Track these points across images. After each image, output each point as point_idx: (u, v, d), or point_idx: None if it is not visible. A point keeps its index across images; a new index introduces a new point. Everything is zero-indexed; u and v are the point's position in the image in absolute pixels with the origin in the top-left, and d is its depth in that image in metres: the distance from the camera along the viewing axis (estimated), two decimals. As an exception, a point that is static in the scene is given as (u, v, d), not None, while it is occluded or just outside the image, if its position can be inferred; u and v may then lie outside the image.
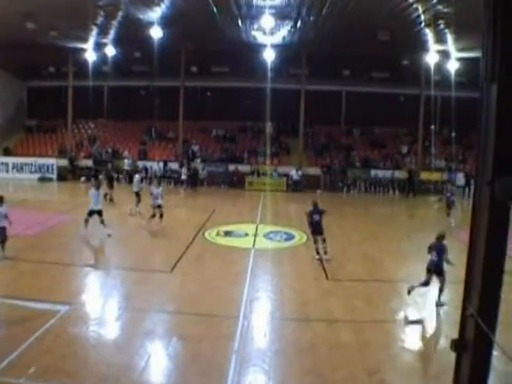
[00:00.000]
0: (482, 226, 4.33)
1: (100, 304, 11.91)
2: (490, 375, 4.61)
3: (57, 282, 12.98)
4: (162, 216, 20.16)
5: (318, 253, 15.81)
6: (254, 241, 18.67)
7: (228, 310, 11.53)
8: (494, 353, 4.54)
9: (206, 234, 19.30)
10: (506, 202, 4.13)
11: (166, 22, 24.43)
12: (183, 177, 33.78)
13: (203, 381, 8.43)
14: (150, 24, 24.69)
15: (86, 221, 17.85)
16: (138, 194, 22.77)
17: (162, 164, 35.65)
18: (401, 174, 35.01)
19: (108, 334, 10.14)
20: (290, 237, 19.53)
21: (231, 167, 35.57)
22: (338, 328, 10.84)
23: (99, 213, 17.86)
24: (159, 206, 20.27)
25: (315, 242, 15.94)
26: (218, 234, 19.43)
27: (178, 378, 8.51)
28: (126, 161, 35.47)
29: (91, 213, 17.86)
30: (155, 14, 23.68)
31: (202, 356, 9.09)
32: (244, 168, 35.64)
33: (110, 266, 14.73)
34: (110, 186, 26.12)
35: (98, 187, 18.32)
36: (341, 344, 9.98)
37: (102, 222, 17.79)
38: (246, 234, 19.60)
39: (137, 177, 24.36)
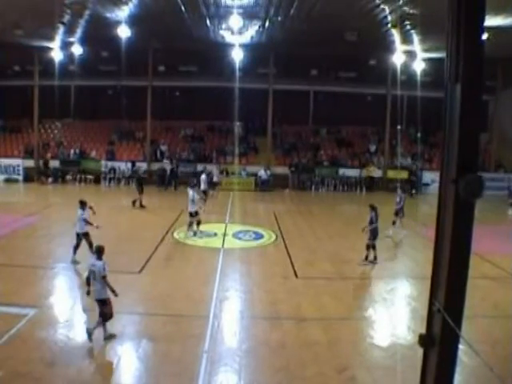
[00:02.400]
0: (448, 223, 4.42)
1: (68, 306, 11.77)
2: (456, 369, 4.69)
3: (24, 285, 12.76)
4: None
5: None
6: (223, 240, 18.66)
7: (198, 309, 11.53)
8: (461, 347, 4.63)
9: (175, 234, 19.22)
10: (470, 200, 4.22)
11: (133, 21, 24.20)
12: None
13: (174, 382, 8.42)
14: (118, 23, 24.42)
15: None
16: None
17: (129, 164, 35.29)
18: (368, 173, 35.32)
19: (77, 336, 9.99)
20: (258, 236, 19.57)
21: (199, 167, 35.43)
22: (307, 326, 10.93)
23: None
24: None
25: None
26: (186, 234, 19.35)
27: (148, 380, 8.47)
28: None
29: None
30: (123, 12, 23.44)
31: (172, 357, 9.07)
32: (212, 168, 35.52)
33: (78, 268, 14.52)
34: (141, 190, 25.68)
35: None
36: (310, 342, 10.06)
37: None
38: (215, 234, 19.57)
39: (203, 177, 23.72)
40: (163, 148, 36.74)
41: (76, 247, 14.86)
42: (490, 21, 21.12)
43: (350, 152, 38.32)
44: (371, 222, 15.75)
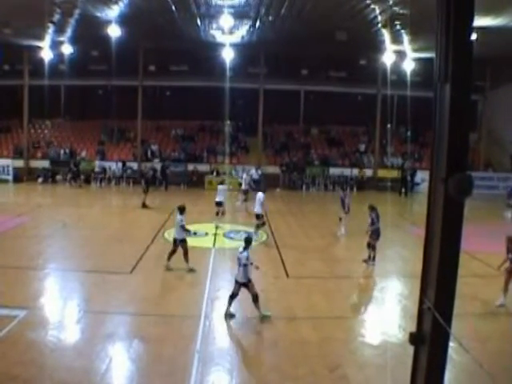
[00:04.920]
0: (437, 221, 4.45)
1: (59, 308, 11.70)
2: (446, 366, 4.73)
3: (14, 286, 12.68)
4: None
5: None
6: (215, 240, 18.66)
7: (189, 309, 11.53)
8: (451, 344, 4.67)
9: (166, 235, 19.18)
10: (460, 199, 4.26)
11: (123, 20, 24.14)
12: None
13: (166, 382, 8.41)
14: (108, 22, 24.35)
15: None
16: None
17: (120, 164, 35.22)
18: (360, 177, 35.48)
19: (68, 338, 9.97)
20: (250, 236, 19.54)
21: (190, 167, 35.43)
22: (298, 325, 10.96)
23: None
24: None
25: None
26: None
27: (140, 380, 8.45)
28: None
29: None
30: (113, 12, 23.37)
31: (164, 357, 9.05)
32: (203, 167, 35.54)
33: (69, 269, 14.47)
34: (147, 190, 25.65)
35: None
36: (302, 340, 10.09)
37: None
38: (206, 234, 19.56)
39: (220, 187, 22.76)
40: (154, 148, 36.69)
41: (172, 253, 14.59)
42: (479, 21, 21.24)
43: (341, 151, 38.42)
44: (373, 223, 15.75)
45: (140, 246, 16.91)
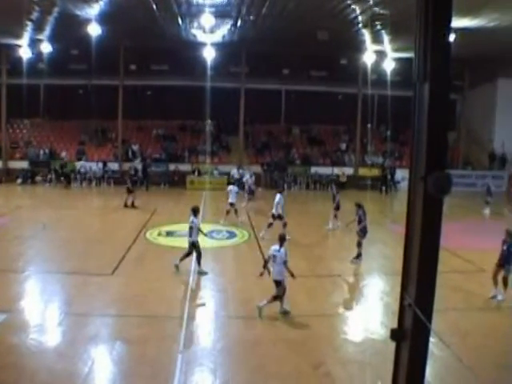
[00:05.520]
0: (417, 219, 4.51)
1: (40, 310, 11.56)
2: (427, 361, 4.80)
3: (-7, 288, 12.58)
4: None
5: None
6: (197, 240, 18.62)
7: (172, 310, 11.52)
8: (432, 340, 4.74)
9: (148, 235, 19.14)
10: (439, 196, 4.32)
11: (104, 18, 23.95)
12: None
13: (149, 383, 8.38)
14: (88, 21, 24.13)
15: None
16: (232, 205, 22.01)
17: (101, 164, 34.99)
18: (339, 171, 35.64)
19: (49, 340, 9.86)
20: (232, 235, 19.61)
21: (172, 167, 35.33)
22: (282, 323, 11.00)
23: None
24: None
25: None
26: (159, 235, 19.29)
27: (123, 383, 8.41)
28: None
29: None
30: (93, 10, 23.19)
31: (147, 358, 9.02)
32: (185, 167, 35.46)
33: (50, 271, 14.34)
34: (132, 190, 25.65)
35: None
36: (285, 339, 10.14)
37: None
38: (189, 234, 19.51)
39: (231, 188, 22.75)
40: (135, 148, 36.50)
41: (187, 255, 14.56)
42: (457, 22, 21.50)
43: (322, 150, 38.59)
44: (360, 221, 15.95)
45: (121, 247, 16.83)
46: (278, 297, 11.27)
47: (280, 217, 19.07)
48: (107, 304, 11.85)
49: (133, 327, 10.50)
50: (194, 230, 14.39)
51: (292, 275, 11.27)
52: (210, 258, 16.29)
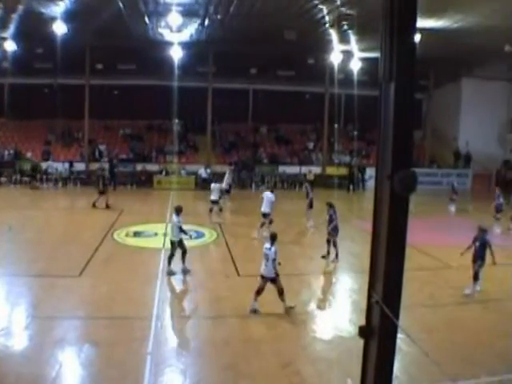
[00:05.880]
0: (384, 217, 4.56)
1: (6, 314, 11.29)
2: (395, 357, 4.86)
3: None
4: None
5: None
6: (164, 240, 18.49)
7: (141, 311, 11.42)
8: (399, 336, 4.80)
9: (115, 235, 18.96)
10: (405, 194, 4.38)
11: (69, 17, 23.56)
12: None
13: (119, 385, 8.31)
14: (53, 19, 23.72)
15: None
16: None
17: (67, 165, 34.47)
18: (307, 170, 35.85)
19: (16, 344, 9.66)
20: (200, 235, 19.54)
21: (139, 166, 35.03)
22: (251, 323, 11.02)
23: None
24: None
25: None
26: (127, 235, 19.14)
27: (92, 385, 8.32)
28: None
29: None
30: (59, 8, 22.78)
31: (116, 360, 8.93)
32: (152, 167, 35.20)
33: (16, 273, 14.05)
34: (104, 190, 25.37)
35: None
36: (255, 338, 10.16)
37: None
38: (156, 234, 19.42)
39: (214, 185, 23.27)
40: (102, 148, 36.09)
41: (171, 257, 14.42)
42: (423, 23, 21.81)
43: (289, 149, 38.76)
44: (331, 220, 16.05)
45: (89, 248, 16.62)
46: (282, 290, 11.50)
47: (266, 214, 19.45)
48: (75, 306, 11.68)
49: (101, 329, 10.39)
50: (174, 230, 14.40)
51: (276, 275, 11.50)
52: (178, 258, 16.23)
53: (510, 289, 13.76)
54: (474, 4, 19.72)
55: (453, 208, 27.70)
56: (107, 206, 24.74)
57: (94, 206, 24.74)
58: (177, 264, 14.49)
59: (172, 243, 14.43)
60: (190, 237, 14.84)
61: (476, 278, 13.05)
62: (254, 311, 11.43)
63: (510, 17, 20.42)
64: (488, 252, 13.03)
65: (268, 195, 19.91)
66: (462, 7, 20.38)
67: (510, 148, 39.18)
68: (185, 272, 14.28)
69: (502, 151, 39.65)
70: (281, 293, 11.46)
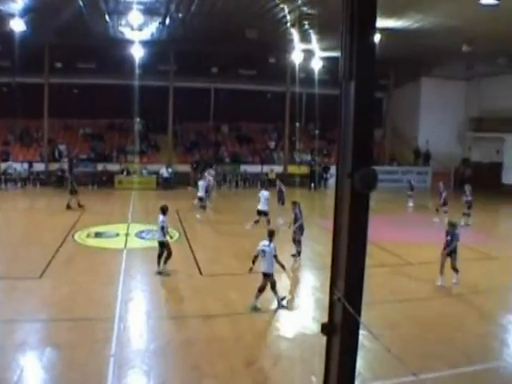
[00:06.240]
0: (344, 215, 4.60)
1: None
2: (358, 353, 4.91)
3: None
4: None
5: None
6: (126, 240, 18.36)
7: (103, 312, 11.27)
8: (362, 332, 4.84)
9: (76, 236, 18.68)
10: (365, 192, 4.42)
11: (28, 14, 23.07)
12: None
13: (80, 388, 8.19)
14: (11, 16, 23.17)
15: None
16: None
17: (26, 165, 33.76)
18: (268, 169, 36.01)
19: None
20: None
21: (100, 166, 34.57)
22: (214, 322, 11.01)
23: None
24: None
25: None
26: (88, 236, 18.88)
27: (53, 389, 8.18)
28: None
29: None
30: (16, 5, 22.27)
31: (78, 363, 8.79)
32: (113, 167, 34.78)
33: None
34: (75, 190, 24.96)
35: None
36: (218, 338, 10.15)
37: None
38: (117, 234, 19.23)
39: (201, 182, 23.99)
40: (61, 147, 35.47)
41: (160, 256, 14.30)
42: (383, 23, 22.10)
43: (251, 148, 38.82)
44: (296, 218, 16.10)
45: (49, 249, 16.33)
46: (275, 285, 11.84)
47: (265, 213, 19.88)
48: (36, 308, 11.46)
49: (63, 332, 10.21)
50: (164, 229, 14.34)
51: (283, 267, 12.18)
52: (139, 258, 16.12)
53: (472, 283, 14.11)
54: (433, 4, 20.06)
55: (410, 204, 28.12)
56: (79, 206, 24.47)
57: (68, 207, 24.40)
58: (117, 265, 14.37)
59: (159, 244, 14.38)
60: (171, 237, 14.75)
61: (455, 269, 13.81)
62: (255, 308, 11.63)
63: (467, 17, 20.87)
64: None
65: (264, 193, 20.46)
66: (421, 7, 20.70)
67: (469, 146, 40.12)
68: (164, 274, 14.19)
69: (461, 149, 40.58)
70: (273, 287, 11.86)
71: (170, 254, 14.32)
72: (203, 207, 22.59)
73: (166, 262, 14.31)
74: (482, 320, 11.83)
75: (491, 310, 12.41)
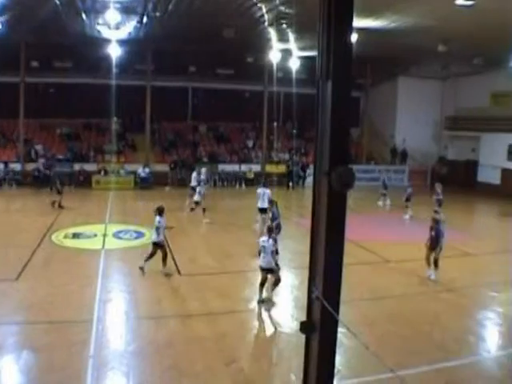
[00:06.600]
0: (322, 213, 4.64)
1: None
2: (337, 351, 4.95)
3: None
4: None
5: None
6: (104, 241, 18.22)
7: (81, 314, 11.17)
8: (341, 330, 4.88)
9: (53, 237, 18.48)
10: (342, 191, 4.46)
11: (3, 12, 22.74)
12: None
13: (59, 391, 8.12)
14: (-15, 15, 22.85)
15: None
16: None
17: (2, 165, 33.27)
18: (246, 168, 36.00)
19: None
20: (139, 235, 19.32)
21: (77, 166, 34.22)
22: (193, 322, 10.99)
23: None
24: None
25: None
26: (65, 237, 18.70)
27: (31, 392, 8.10)
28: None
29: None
30: (-9, 3, 21.96)
31: (56, 366, 8.71)
32: (90, 167, 34.45)
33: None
34: (61, 190, 24.83)
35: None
36: (197, 338, 10.13)
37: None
38: (95, 235, 19.06)
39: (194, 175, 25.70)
40: (38, 147, 35.03)
41: (151, 256, 14.43)
42: (360, 23, 22.22)
43: (229, 148, 38.80)
44: (274, 218, 16.15)
45: (26, 251, 16.12)
46: (279, 280, 12.44)
47: (265, 210, 19.61)
48: (12, 311, 11.31)
49: (40, 334, 10.09)
50: (160, 230, 14.36)
51: (276, 265, 12.54)
52: (117, 259, 16.01)
53: (448, 280, 14.30)
54: (410, 5, 20.21)
55: (387, 202, 28.26)
56: (60, 206, 24.34)
57: (60, 206, 24.33)
58: (95, 268, 14.25)
59: (154, 244, 14.47)
60: (162, 241, 14.60)
61: (436, 264, 14.34)
62: (262, 301, 12.04)
63: (443, 17, 21.08)
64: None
65: (266, 191, 20.20)
66: (397, 8, 20.86)
67: (445, 145, 40.56)
68: (142, 269, 14.22)
69: (437, 148, 41.04)
70: (276, 283, 12.38)
71: (165, 255, 14.41)
72: (203, 210, 22.34)
73: (164, 263, 14.40)
74: (459, 316, 12.01)
75: (467, 306, 12.61)
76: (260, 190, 20.14)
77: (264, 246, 12.18)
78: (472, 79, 36.78)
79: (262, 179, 24.76)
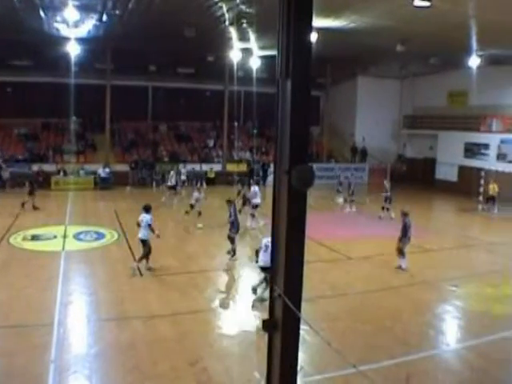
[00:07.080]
0: (283, 212, 4.67)
1: None
2: (300, 348, 4.99)
3: None
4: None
5: None
6: (64, 243, 17.92)
7: (41, 317, 10.98)
8: (303, 327, 4.93)
9: (12, 240, 18.09)
10: (303, 189, 4.50)
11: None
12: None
13: (19, 396, 7.96)
14: None
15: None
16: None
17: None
18: (207, 167, 35.89)
19: None
20: (100, 236, 19.08)
21: (35, 167, 33.52)
22: (156, 323, 10.92)
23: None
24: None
25: None
26: (24, 239, 18.31)
27: (-11, 397, 7.93)
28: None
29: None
30: None
31: (16, 370, 8.54)
32: (49, 167, 33.79)
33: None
34: (33, 192, 24.53)
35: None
36: (160, 338, 10.08)
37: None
38: (55, 237, 18.73)
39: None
40: (-6, 149, 34.22)
41: (146, 255, 14.57)
42: (320, 22, 22.40)
43: (190, 147, 38.63)
44: (230, 216, 16.20)
45: (-18, 254, 15.78)
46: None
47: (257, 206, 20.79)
48: (-31, 316, 11.06)
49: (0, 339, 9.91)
50: (147, 227, 14.44)
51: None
52: (78, 261, 15.78)
53: (408, 275, 14.57)
54: (369, 5, 20.46)
55: (341, 199, 28.37)
56: (34, 208, 24.18)
57: (34, 208, 24.05)
58: (55, 270, 14.04)
59: (142, 242, 14.53)
60: (158, 236, 14.50)
61: (401, 253, 15.10)
62: (261, 300, 11.89)
63: (401, 18, 21.42)
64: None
65: (255, 189, 21.66)
66: (357, 8, 21.09)
67: (404, 143, 41.26)
68: (134, 269, 14.38)
69: (396, 146, 41.72)
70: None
71: (149, 251, 14.55)
72: (199, 213, 22.15)
73: (147, 260, 14.60)
74: (419, 310, 12.24)
75: (427, 301, 12.86)
76: (254, 188, 21.77)
77: (267, 246, 11.77)
78: (429, 79, 37.54)
79: (255, 178, 25.81)
